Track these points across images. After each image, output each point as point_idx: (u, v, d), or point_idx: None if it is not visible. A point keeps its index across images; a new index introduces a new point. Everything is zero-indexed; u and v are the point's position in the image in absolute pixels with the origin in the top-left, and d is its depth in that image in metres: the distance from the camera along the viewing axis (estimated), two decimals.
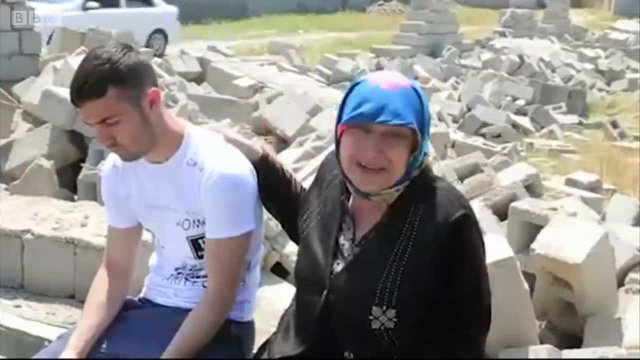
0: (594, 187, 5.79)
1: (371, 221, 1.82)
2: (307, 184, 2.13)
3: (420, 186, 1.78)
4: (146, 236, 2.25)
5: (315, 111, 7.98)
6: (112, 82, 1.87)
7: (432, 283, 1.71)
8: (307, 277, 1.88)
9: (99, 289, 2.14)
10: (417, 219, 1.75)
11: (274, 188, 2.10)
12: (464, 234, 1.73)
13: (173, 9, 17.24)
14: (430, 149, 1.82)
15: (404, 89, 1.73)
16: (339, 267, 1.82)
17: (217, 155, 2.02)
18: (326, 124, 7.31)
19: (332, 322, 1.81)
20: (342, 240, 1.85)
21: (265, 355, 1.98)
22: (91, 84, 1.86)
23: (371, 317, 1.74)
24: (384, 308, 1.73)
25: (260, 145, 2.20)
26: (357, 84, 1.78)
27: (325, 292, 1.81)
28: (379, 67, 14.87)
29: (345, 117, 1.74)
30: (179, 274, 2.14)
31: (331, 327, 1.81)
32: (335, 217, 1.86)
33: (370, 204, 1.81)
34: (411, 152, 1.74)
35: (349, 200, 1.86)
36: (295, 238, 2.06)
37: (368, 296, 1.74)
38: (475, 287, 1.77)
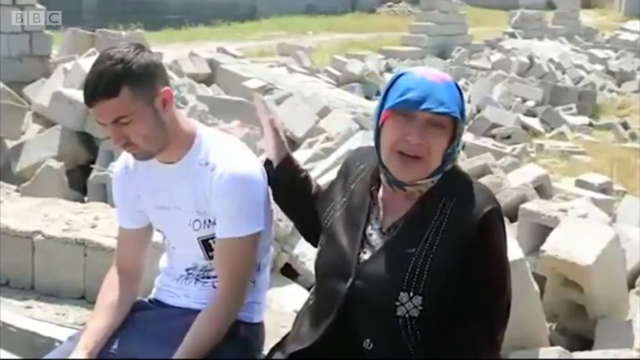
0: (604, 189, 5.77)
1: (400, 211, 1.84)
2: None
3: (453, 179, 1.82)
4: (156, 237, 2.26)
5: (324, 112, 8.00)
6: (125, 82, 1.88)
7: (458, 273, 1.73)
8: (331, 266, 1.89)
9: (109, 290, 2.14)
10: (448, 211, 1.78)
11: (294, 190, 2.11)
12: (492, 228, 1.77)
13: None
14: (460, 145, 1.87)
15: (447, 82, 1.78)
16: (366, 255, 1.84)
17: (228, 155, 2.02)
18: (335, 125, 7.32)
19: (355, 310, 1.82)
20: (369, 230, 1.87)
21: (277, 356, 1.98)
22: (104, 83, 1.87)
23: (397, 303, 1.75)
24: (411, 294, 1.75)
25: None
26: (401, 74, 1.81)
27: (350, 280, 1.82)
28: (388, 68, 14.87)
29: (389, 103, 1.77)
30: (190, 274, 2.15)
31: (353, 316, 1.82)
32: (363, 209, 1.89)
33: (401, 195, 1.83)
34: (450, 142, 1.78)
35: (377, 191, 1.89)
36: (311, 239, 2.07)
37: (396, 281, 1.76)
38: (500, 282, 1.80)
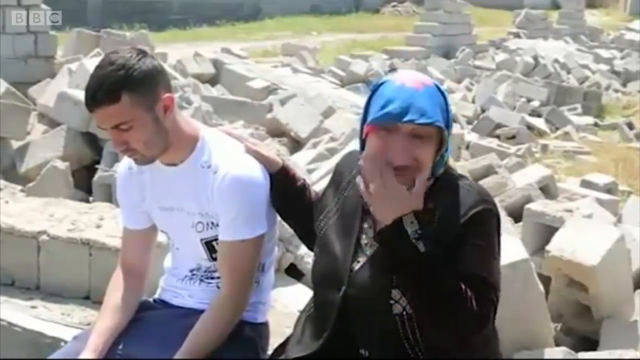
0: (609, 189, 5.75)
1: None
2: (321, 186, 2.13)
3: (444, 184, 1.79)
4: (161, 237, 2.26)
5: (328, 112, 7.99)
6: (126, 88, 1.88)
7: (450, 265, 1.71)
8: (325, 276, 1.88)
9: (115, 291, 2.15)
10: (439, 213, 1.75)
11: (291, 199, 2.10)
12: (483, 224, 1.74)
13: None
14: (450, 147, 1.83)
15: (428, 88, 1.74)
16: (358, 264, 1.83)
17: (230, 157, 2.02)
18: (339, 125, 7.32)
19: (351, 318, 1.81)
20: (363, 239, 1.85)
21: (281, 357, 1.98)
22: (105, 90, 1.87)
23: (391, 301, 1.74)
24: (402, 289, 1.72)
25: (276, 151, 2.19)
26: (382, 83, 1.78)
27: (343, 289, 1.81)
28: (393, 68, 14.83)
29: (371, 117, 1.74)
30: (194, 275, 2.15)
31: (349, 325, 1.81)
32: (356, 216, 1.87)
33: None
34: (437, 149, 1.75)
35: None
36: (312, 246, 2.06)
37: (387, 280, 1.74)
38: (488, 268, 1.74)
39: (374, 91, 1.78)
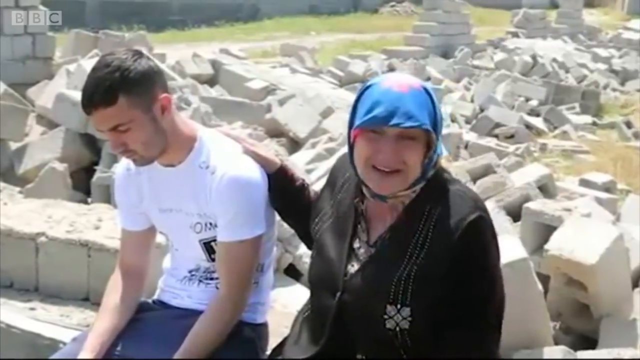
0: (607, 187, 5.75)
1: (386, 223, 1.82)
2: (319, 186, 2.13)
3: (436, 187, 1.78)
4: (160, 238, 2.26)
5: (327, 113, 7.99)
6: (122, 90, 1.87)
7: (446, 283, 1.71)
8: (320, 280, 1.88)
9: (114, 292, 2.15)
10: (433, 220, 1.74)
11: (290, 199, 2.10)
12: (478, 236, 1.73)
13: None
14: (444, 149, 1.82)
15: (415, 90, 1.72)
16: (353, 268, 1.82)
17: (228, 158, 2.02)
18: (338, 125, 7.32)
19: (346, 324, 1.81)
20: (356, 243, 1.85)
21: (278, 357, 1.98)
22: (102, 92, 1.87)
23: (385, 316, 1.73)
24: (398, 306, 1.73)
25: (274, 152, 2.19)
26: (368, 86, 1.77)
27: (338, 294, 1.81)
28: (391, 68, 14.84)
29: (357, 121, 1.73)
30: (192, 275, 2.15)
31: (345, 329, 1.81)
32: (349, 220, 1.86)
33: (385, 206, 1.81)
34: (425, 152, 1.74)
35: (362, 202, 1.86)
36: (312, 246, 2.06)
37: (382, 294, 1.74)
38: (487, 289, 1.76)
39: (360, 94, 1.77)
